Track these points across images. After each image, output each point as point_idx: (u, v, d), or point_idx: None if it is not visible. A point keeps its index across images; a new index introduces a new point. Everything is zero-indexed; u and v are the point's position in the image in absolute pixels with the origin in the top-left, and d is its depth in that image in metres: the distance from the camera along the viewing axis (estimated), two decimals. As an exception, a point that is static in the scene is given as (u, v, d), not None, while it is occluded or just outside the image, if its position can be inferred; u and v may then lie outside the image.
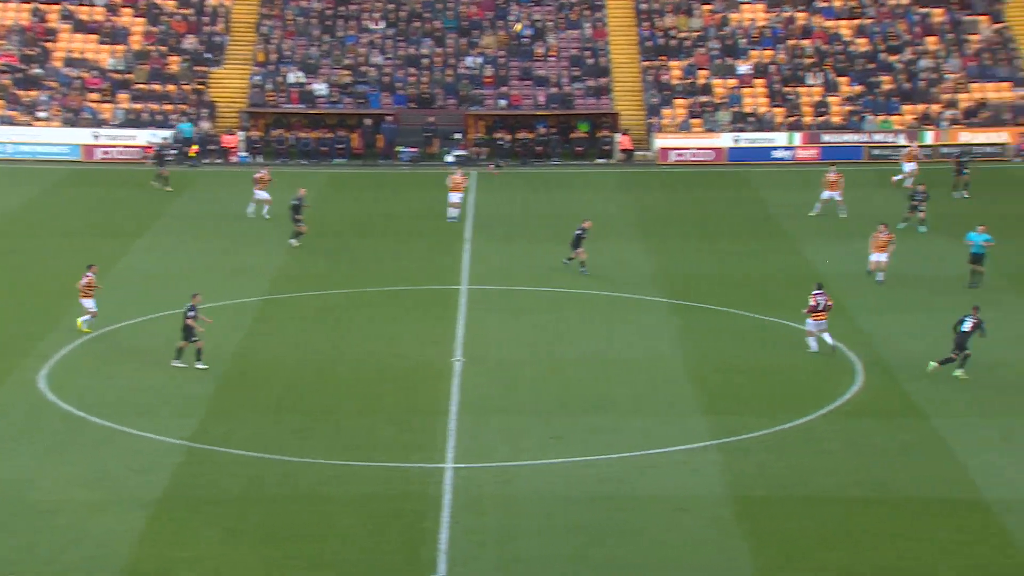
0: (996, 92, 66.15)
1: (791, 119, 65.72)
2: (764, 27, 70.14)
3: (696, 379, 34.11)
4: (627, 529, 25.42)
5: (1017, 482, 27.36)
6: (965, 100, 65.73)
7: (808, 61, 68.28)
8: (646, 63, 69.21)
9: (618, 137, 65.61)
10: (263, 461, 28.77)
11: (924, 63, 67.57)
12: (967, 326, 33.11)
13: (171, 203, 55.56)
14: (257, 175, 52.24)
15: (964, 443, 29.41)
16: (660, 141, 65.28)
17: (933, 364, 33.48)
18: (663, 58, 69.08)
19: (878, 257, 42.03)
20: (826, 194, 51.54)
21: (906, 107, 65.77)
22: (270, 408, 32.31)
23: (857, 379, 33.66)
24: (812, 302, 35.05)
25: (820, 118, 65.69)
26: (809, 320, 35.19)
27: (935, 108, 65.36)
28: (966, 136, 63.76)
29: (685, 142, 65.17)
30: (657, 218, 53.03)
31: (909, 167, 56.55)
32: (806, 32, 69.75)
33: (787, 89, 67.15)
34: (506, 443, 30.00)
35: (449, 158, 64.20)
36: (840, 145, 64.32)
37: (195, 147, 63.71)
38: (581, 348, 36.94)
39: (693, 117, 66.11)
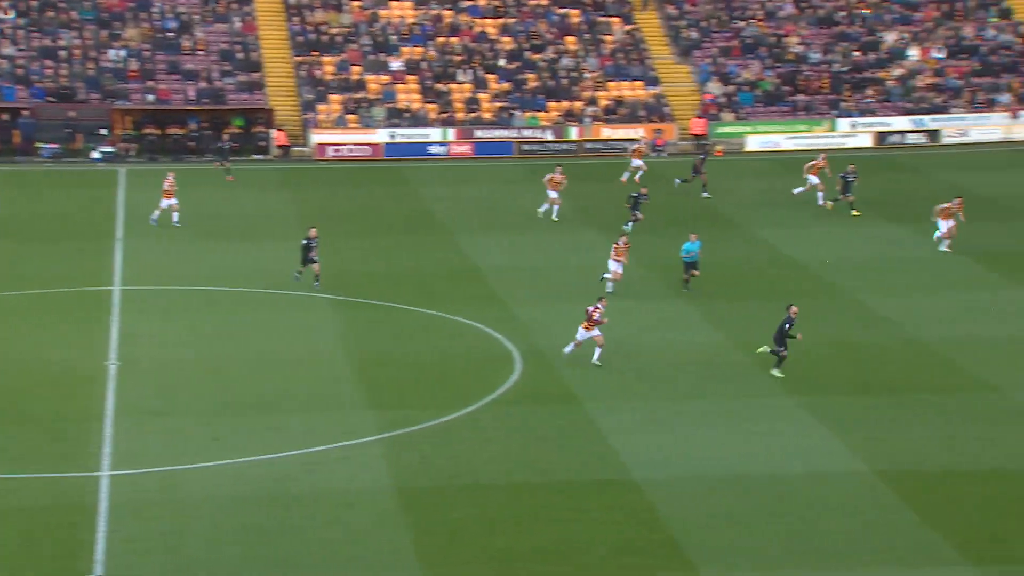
0: (631, 90, 69.37)
1: (444, 115, 66.86)
2: (413, 24, 71.04)
3: (360, 374, 34.20)
4: (294, 527, 25.22)
5: (661, 461, 28.69)
6: (604, 98, 68.66)
7: (457, 58, 69.67)
8: (298, 58, 68.80)
9: (274, 133, 64.95)
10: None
11: (565, 62, 70.18)
12: (785, 325, 33.66)
13: None
14: None
15: (614, 426, 30.68)
16: (317, 137, 65.08)
17: (764, 348, 34.19)
18: (315, 53, 68.83)
19: (615, 267, 41.11)
20: (552, 194, 50.95)
21: (551, 104, 68.09)
22: (-95, 422, 30.29)
23: (516, 368, 34.62)
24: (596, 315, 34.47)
25: (472, 114, 67.14)
26: (581, 328, 34.54)
27: (578, 105, 68.00)
28: (607, 132, 66.64)
29: (342, 138, 65.19)
30: (317, 214, 52.66)
31: (636, 163, 57.30)
32: (454, 30, 71.12)
33: (439, 86, 68.28)
34: (167, 447, 29.22)
35: (95, 154, 61.81)
36: (492, 141, 65.95)
37: None
38: (243, 347, 36.39)
39: (348, 113, 66.23)
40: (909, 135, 66.53)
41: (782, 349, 33.48)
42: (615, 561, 24.16)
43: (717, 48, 71.67)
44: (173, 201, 48.92)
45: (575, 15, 72.70)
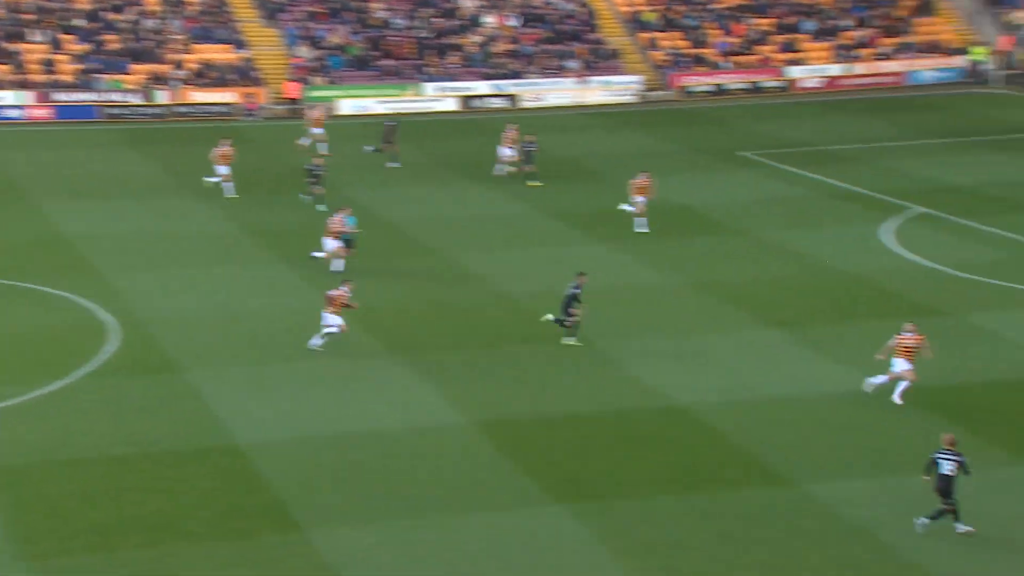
0: (219, 53, 67.84)
1: (19, 77, 63.08)
2: (-24, -20, 66.72)
3: (-61, 352, 32.06)
4: None
5: (266, 425, 28.57)
6: (191, 61, 66.83)
7: (28, 17, 65.83)
8: None
9: None
10: None
11: (148, 23, 67.80)
12: (570, 291, 32.97)
13: None
14: None
15: (218, 392, 30.25)
16: None
17: (548, 316, 33.44)
18: None
19: (330, 245, 38.82)
20: (221, 168, 47.34)
21: (135, 67, 65.59)
22: None
23: (113, 338, 33.37)
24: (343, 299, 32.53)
25: (49, 77, 63.68)
26: (326, 314, 32.45)
27: (164, 68, 65.86)
28: (199, 96, 64.88)
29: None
30: None
31: (316, 132, 54.79)
32: (21, -12, 67.31)
33: (9, 46, 64.30)
34: None
35: None
36: (74, 104, 62.88)
37: None
38: None
39: (-94, 73, 61.37)
40: (491, 99, 68.68)
41: (569, 318, 33.25)
42: (220, 526, 23.89)
43: (304, 12, 71.24)
44: None
45: (155, -24, 70.40)
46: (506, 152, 51.55)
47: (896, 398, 29.31)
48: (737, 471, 26.42)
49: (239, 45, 68.47)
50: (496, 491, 25.72)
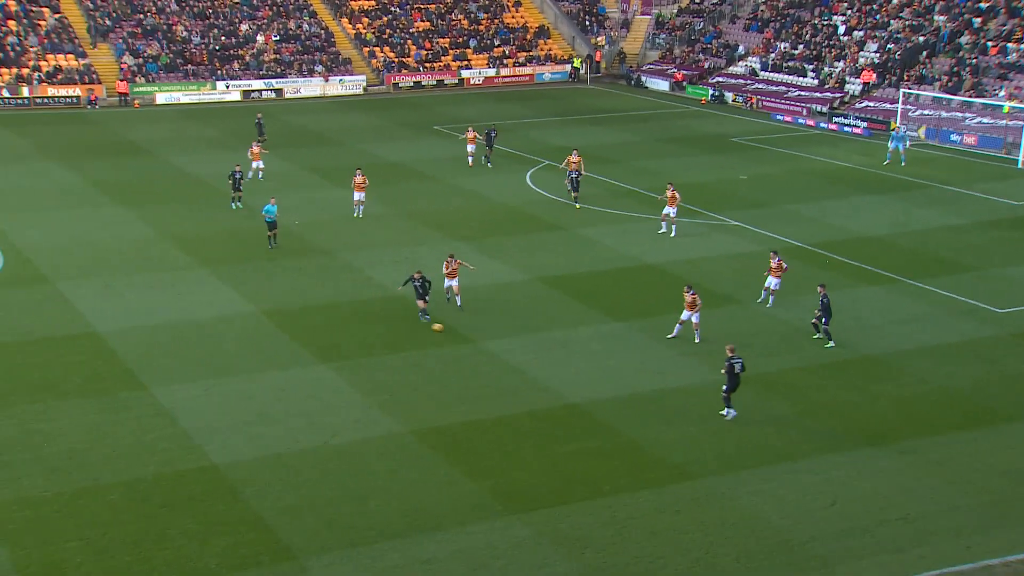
0: (66, 61, 61.49)
1: (-93, 76, 55.03)
2: None
3: None
4: None
5: (116, 317, 26.51)
6: (45, 66, 60.23)
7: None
8: None
9: None
10: None
11: (10, 39, 60.48)
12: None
13: None
14: None
15: (78, 296, 27.79)
16: None
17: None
18: None
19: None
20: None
21: (3, 70, 58.42)
22: None
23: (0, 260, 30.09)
24: None
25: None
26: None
27: (25, 71, 59.06)
28: (52, 91, 58.81)
29: None
30: None
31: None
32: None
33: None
34: None
35: None
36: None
37: None
38: None
39: None
40: (264, 92, 65.47)
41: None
42: (86, 388, 22.15)
43: (126, 31, 65.31)
44: None
45: (12, 4, 62.70)
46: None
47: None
48: (440, 335, 26.40)
49: (81, 55, 62.14)
50: (280, 356, 24.94)
